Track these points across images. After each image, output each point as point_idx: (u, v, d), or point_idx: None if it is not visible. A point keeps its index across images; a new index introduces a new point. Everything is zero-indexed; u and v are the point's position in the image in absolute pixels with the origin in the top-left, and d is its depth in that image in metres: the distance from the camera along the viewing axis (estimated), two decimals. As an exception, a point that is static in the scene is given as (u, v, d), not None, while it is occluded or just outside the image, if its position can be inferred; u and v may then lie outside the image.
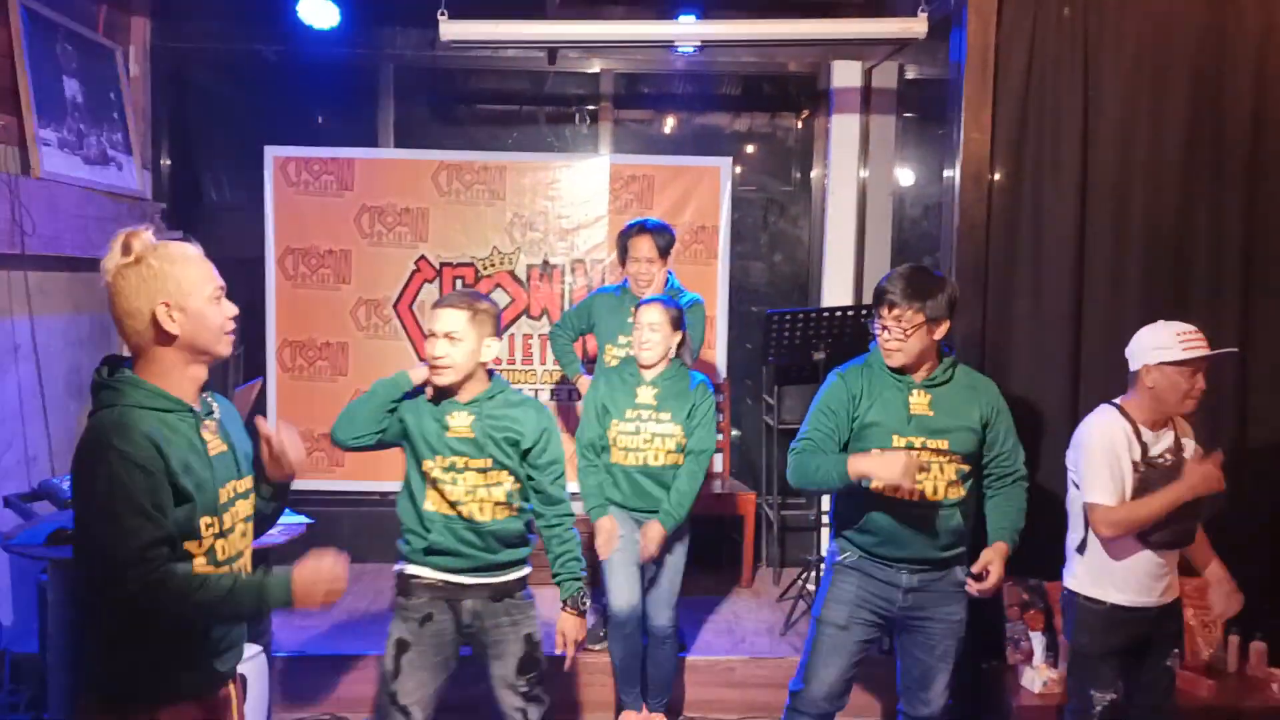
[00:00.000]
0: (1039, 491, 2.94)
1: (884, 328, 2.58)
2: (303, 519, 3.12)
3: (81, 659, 1.76)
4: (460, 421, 2.52)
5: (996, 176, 3.45)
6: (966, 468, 2.64)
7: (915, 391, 2.62)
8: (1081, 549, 2.75)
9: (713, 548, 4.66)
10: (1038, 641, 3.35)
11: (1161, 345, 2.64)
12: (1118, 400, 2.75)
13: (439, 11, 3.81)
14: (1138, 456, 2.66)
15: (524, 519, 2.62)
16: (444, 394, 2.54)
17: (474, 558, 2.54)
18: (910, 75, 4.90)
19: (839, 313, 4.33)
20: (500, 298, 4.84)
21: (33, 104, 3.69)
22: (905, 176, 5.14)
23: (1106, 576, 2.71)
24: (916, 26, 3.72)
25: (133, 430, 1.66)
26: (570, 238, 4.84)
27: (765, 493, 4.82)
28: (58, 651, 2.81)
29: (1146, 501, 2.61)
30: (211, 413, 1.84)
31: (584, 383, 4.01)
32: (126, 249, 1.72)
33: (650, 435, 3.27)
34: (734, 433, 5.02)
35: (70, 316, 4.16)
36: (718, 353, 4.87)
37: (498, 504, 2.54)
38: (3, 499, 3.39)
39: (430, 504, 2.53)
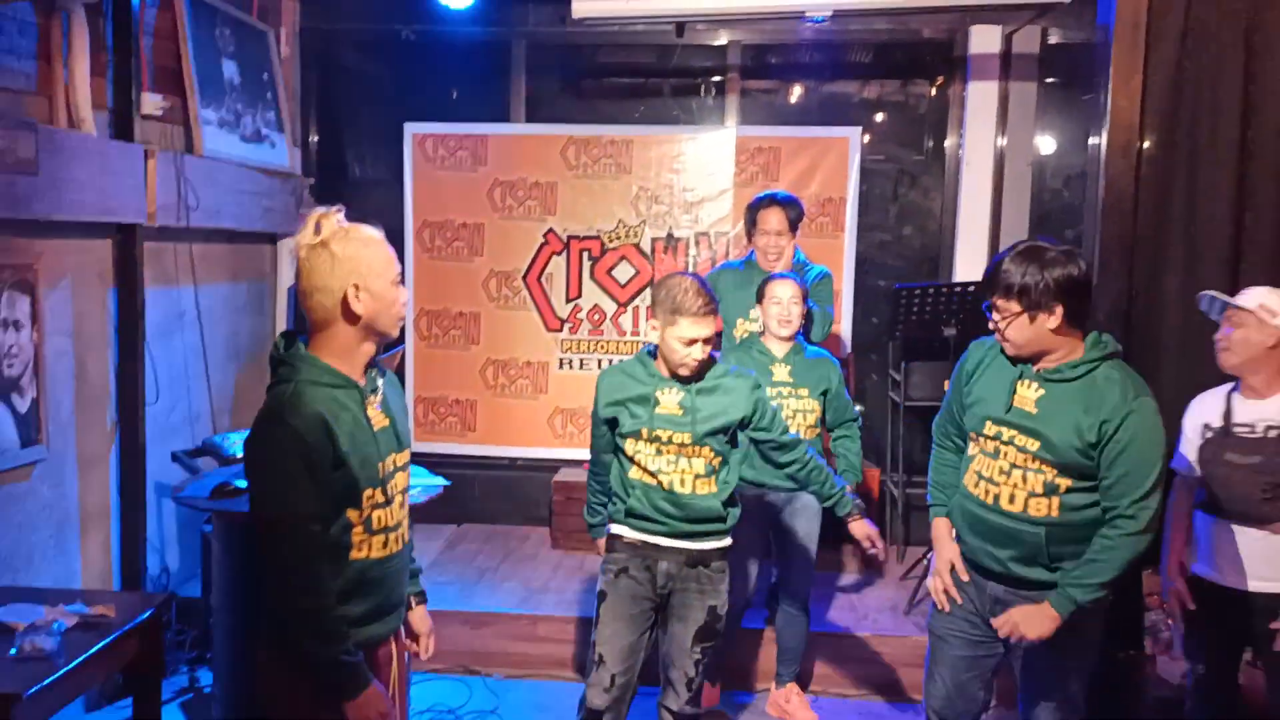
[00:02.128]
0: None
1: (991, 314, 2.31)
2: (440, 480, 3.26)
3: (258, 611, 1.91)
4: (670, 398, 2.62)
5: (1146, 146, 3.28)
6: (1063, 482, 2.24)
7: (1027, 381, 2.29)
8: None
9: (836, 524, 4.60)
10: (1177, 632, 3.22)
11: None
12: None
13: (571, -12, 3.87)
14: (1216, 423, 2.70)
15: (723, 495, 2.66)
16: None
17: (669, 525, 2.63)
18: (1054, 39, 4.67)
19: (971, 288, 4.21)
20: (625, 270, 4.90)
21: (195, 86, 3.94)
22: (1046, 145, 4.92)
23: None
24: (1063, -12, 3.55)
25: (304, 406, 1.78)
26: (695, 211, 4.86)
27: (890, 470, 4.76)
28: (221, 596, 3.04)
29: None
30: (376, 389, 1.94)
31: None
32: (317, 229, 1.84)
33: (792, 412, 3.28)
34: (858, 408, 4.96)
35: (230, 285, 4.45)
36: (843, 327, 4.80)
37: (698, 477, 2.61)
38: (170, 454, 3.68)
39: (634, 472, 2.65)
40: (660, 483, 2.61)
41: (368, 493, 1.86)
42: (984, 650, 2.44)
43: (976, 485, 2.37)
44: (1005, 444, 2.30)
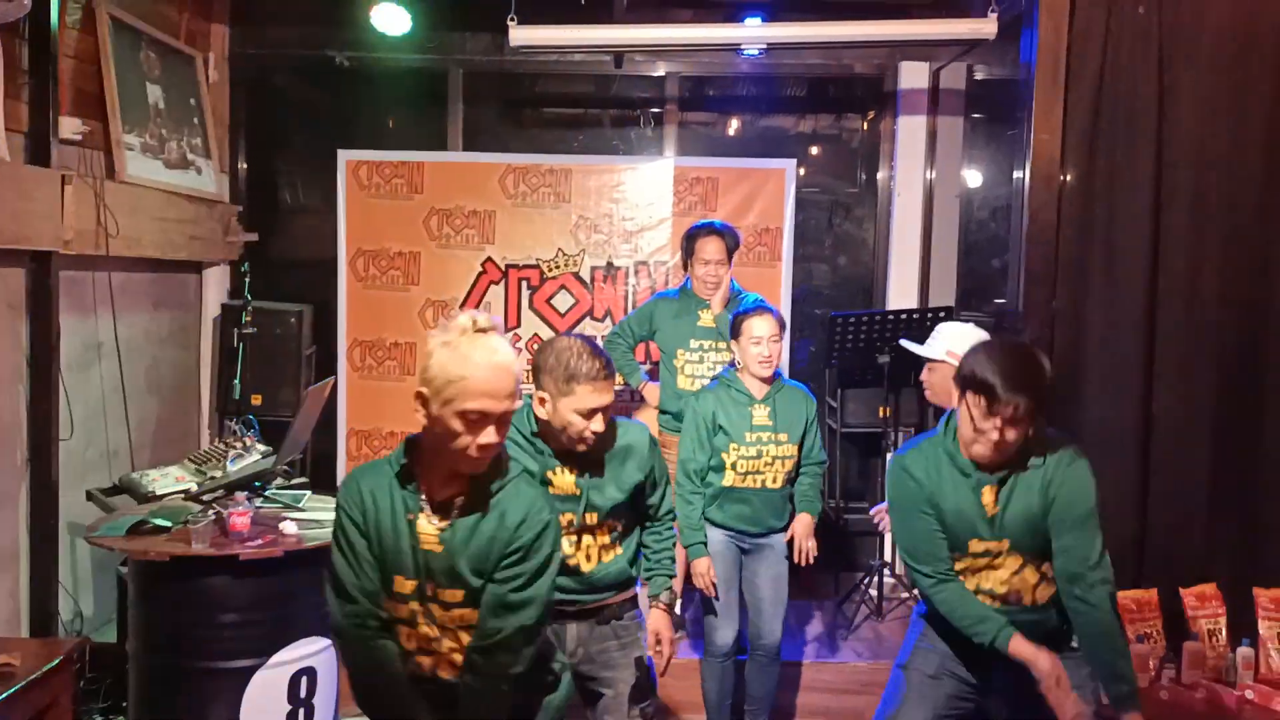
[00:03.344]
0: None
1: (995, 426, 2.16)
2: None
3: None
4: (563, 480, 2.39)
5: (1067, 179, 3.38)
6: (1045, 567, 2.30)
7: (989, 487, 2.25)
8: None
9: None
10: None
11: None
12: None
13: (509, 17, 3.86)
14: None
15: (629, 553, 2.49)
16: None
17: (573, 600, 2.41)
18: (979, 75, 4.81)
19: (904, 315, 4.27)
20: (565, 299, 4.88)
21: (118, 110, 3.84)
22: (973, 178, 5.05)
23: None
24: (986, 27, 3.66)
25: None
26: (634, 240, 4.86)
27: (826, 496, 4.77)
28: (137, 641, 2.91)
29: None
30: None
31: (650, 390, 3.99)
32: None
33: (771, 458, 3.16)
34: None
35: (151, 315, 4.31)
36: (782, 355, 4.83)
37: (603, 547, 2.43)
38: (86, 493, 3.53)
39: None
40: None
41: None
42: (965, 702, 2.41)
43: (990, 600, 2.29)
44: (995, 556, 2.27)
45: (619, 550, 2.46)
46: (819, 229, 5.18)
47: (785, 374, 4.75)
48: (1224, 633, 3.27)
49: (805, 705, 3.73)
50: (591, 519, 2.38)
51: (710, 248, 3.69)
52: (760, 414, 3.17)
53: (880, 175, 5.01)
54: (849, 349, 4.25)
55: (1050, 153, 3.35)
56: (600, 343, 2.59)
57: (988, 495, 2.23)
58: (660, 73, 5.00)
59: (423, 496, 1.86)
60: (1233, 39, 3.29)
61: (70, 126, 3.56)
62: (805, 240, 5.03)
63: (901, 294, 4.84)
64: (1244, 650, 3.20)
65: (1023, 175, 3.42)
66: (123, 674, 3.05)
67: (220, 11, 4.73)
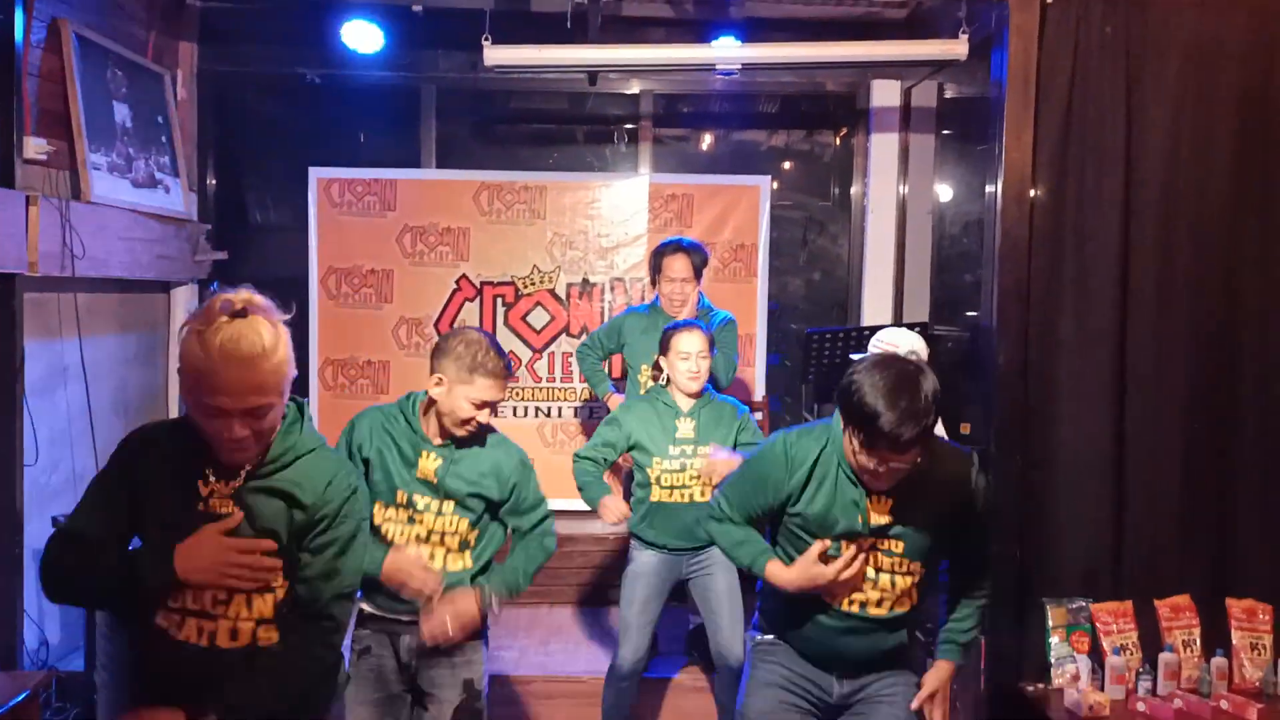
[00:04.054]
0: (1077, 518, 2.89)
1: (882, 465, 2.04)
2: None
3: None
4: (429, 464, 2.41)
5: (1038, 195, 3.41)
6: (918, 570, 2.21)
7: (877, 499, 2.14)
8: None
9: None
10: (1083, 664, 3.29)
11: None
12: None
13: (483, 37, 3.86)
14: None
15: (475, 570, 2.46)
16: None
17: (412, 604, 2.38)
18: (949, 94, 4.87)
19: (878, 331, 4.29)
20: (540, 316, 4.86)
21: (83, 129, 3.78)
22: (945, 194, 5.10)
23: None
24: (957, 48, 3.69)
25: None
26: (610, 256, 4.86)
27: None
28: (106, 670, 2.84)
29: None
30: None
31: (615, 401, 4.00)
32: None
33: (696, 472, 3.15)
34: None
35: (118, 337, 4.24)
36: (756, 370, 4.85)
37: (450, 552, 2.42)
38: (51, 519, 3.46)
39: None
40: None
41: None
42: None
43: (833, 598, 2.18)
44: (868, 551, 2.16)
45: (467, 563, 2.43)
46: (793, 244, 5.21)
47: (762, 390, 4.80)
48: (1198, 644, 3.30)
49: None
50: (447, 509, 2.39)
51: (676, 265, 3.70)
52: (685, 427, 3.17)
53: (854, 191, 5.05)
54: (824, 364, 4.27)
55: (1022, 170, 3.37)
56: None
57: (878, 509, 2.13)
58: (634, 90, 5.01)
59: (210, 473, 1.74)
60: (1199, 58, 3.34)
61: (35, 146, 3.49)
62: (780, 255, 5.06)
63: (876, 309, 4.87)
64: (1218, 660, 3.23)
65: (995, 191, 3.45)
66: (91, 703, 2.98)
67: (188, 29, 4.68)
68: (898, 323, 4.71)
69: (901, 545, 2.15)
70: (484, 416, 2.35)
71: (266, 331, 1.65)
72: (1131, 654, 3.27)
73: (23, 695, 2.47)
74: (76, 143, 3.76)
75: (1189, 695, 3.18)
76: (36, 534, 3.50)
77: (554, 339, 4.88)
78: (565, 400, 4.87)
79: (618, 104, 5.15)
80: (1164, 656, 3.23)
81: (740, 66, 4.01)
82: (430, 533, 2.40)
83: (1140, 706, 3.12)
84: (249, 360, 1.62)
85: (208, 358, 1.61)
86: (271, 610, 1.75)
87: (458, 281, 4.85)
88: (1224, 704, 3.13)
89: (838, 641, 2.21)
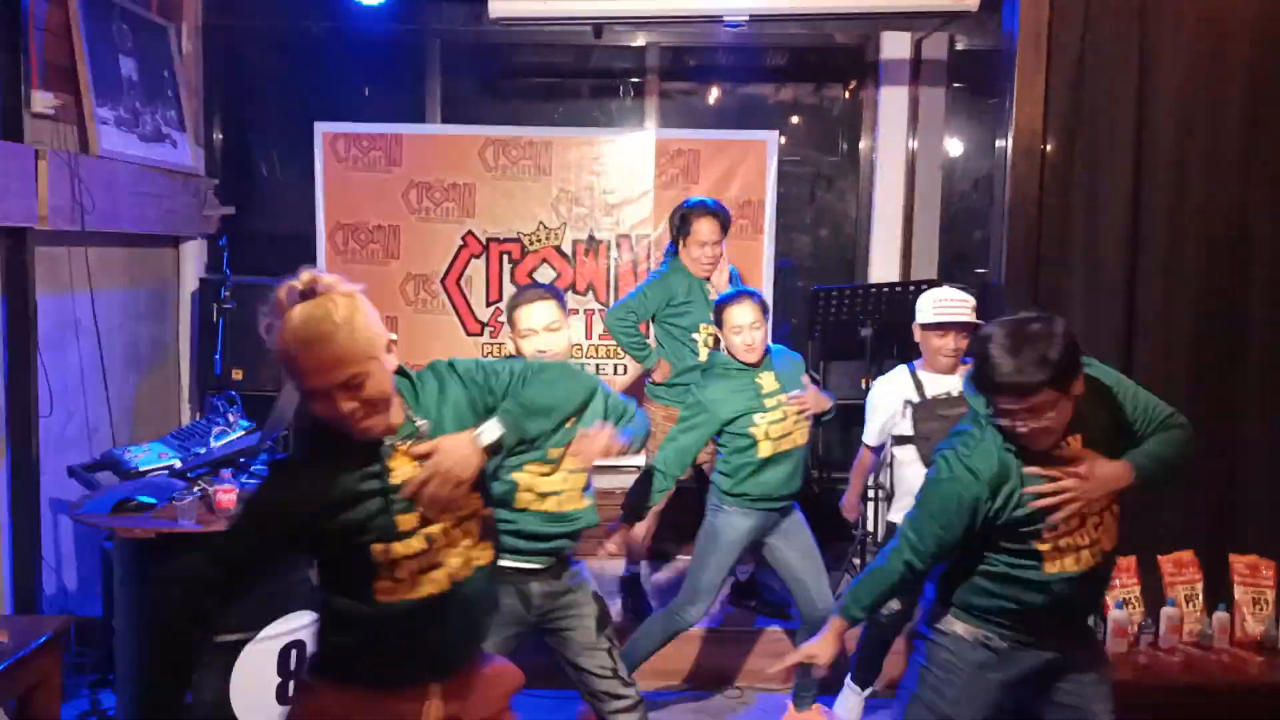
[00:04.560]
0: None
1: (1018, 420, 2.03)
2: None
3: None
4: None
5: (1048, 150, 3.39)
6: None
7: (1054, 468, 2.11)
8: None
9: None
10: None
11: (920, 309, 3.11)
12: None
13: (488, -11, 3.82)
14: (914, 397, 3.12)
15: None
16: None
17: (552, 545, 2.56)
18: (961, 46, 4.81)
19: (885, 289, 4.30)
20: (547, 273, 4.86)
21: (90, 83, 3.77)
22: (955, 148, 5.06)
23: None
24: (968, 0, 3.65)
25: None
26: (616, 213, 4.84)
27: (809, 467, 4.82)
28: (123, 615, 2.90)
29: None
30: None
31: (665, 369, 3.93)
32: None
33: (796, 415, 3.19)
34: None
35: (128, 291, 4.27)
36: (766, 338, 4.85)
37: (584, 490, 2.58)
38: (67, 469, 3.51)
39: (523, 499, 2.53)
40: (557, 505, 2.53)
41: None
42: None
43: (1055, 564, 2.12)
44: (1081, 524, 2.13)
45: (588, 501, 2.60)
46: (800, 201, 5.18)
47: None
48: (1200, 598, 3.34)
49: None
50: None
51: (706, 228, 3.70)
52: (767, 381, 3.18)
53: (862, 146, 5.01)
54: (831, 322, 4.27)
55: (1032, 125, 3.36)
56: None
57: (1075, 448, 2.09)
58: (640, 43, 4.96)
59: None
60: (1213, 12, 3.31)
61: (43, 101, 3.49)
62: (787, 212, 5.03)
63: (884, 266, 4.85)
64: (1220, 615, 3.28)
65: (1005, 145, 3.44)
66: (109, 648, 3.06)
67: (192, -19, 4.65)
68: (905, 280, 4.71)
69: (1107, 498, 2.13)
70: (542, 343, 2.51)
71: (337, 306, 1.67)
72: (1134, 608, 3.32)
73: (43, 639, 2.52)
74: (83, 97, 3.75)
75: (1191, 649, 3.23)
76: (53, 484, 3.56)
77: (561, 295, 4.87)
78: (571, 357, 4.88)
79: (624, 57, 5.10)
80: (1166, 611, 3.28)
81: (748, 18, 3.97)
82: (567, 475, 2.54)
83: (1142, 659, 3.18)
84: (324, 337, 1.64)
85: (287, 346, 1.66)
86: (478, 530, 1.83)
87: (464, 238, 4.85)
88: (1226, 658, 3.18)
89: (1050, 607, 2.14)
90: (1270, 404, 3.41)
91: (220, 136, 4.96)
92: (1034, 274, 3.42)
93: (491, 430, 1.74)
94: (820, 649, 2.25)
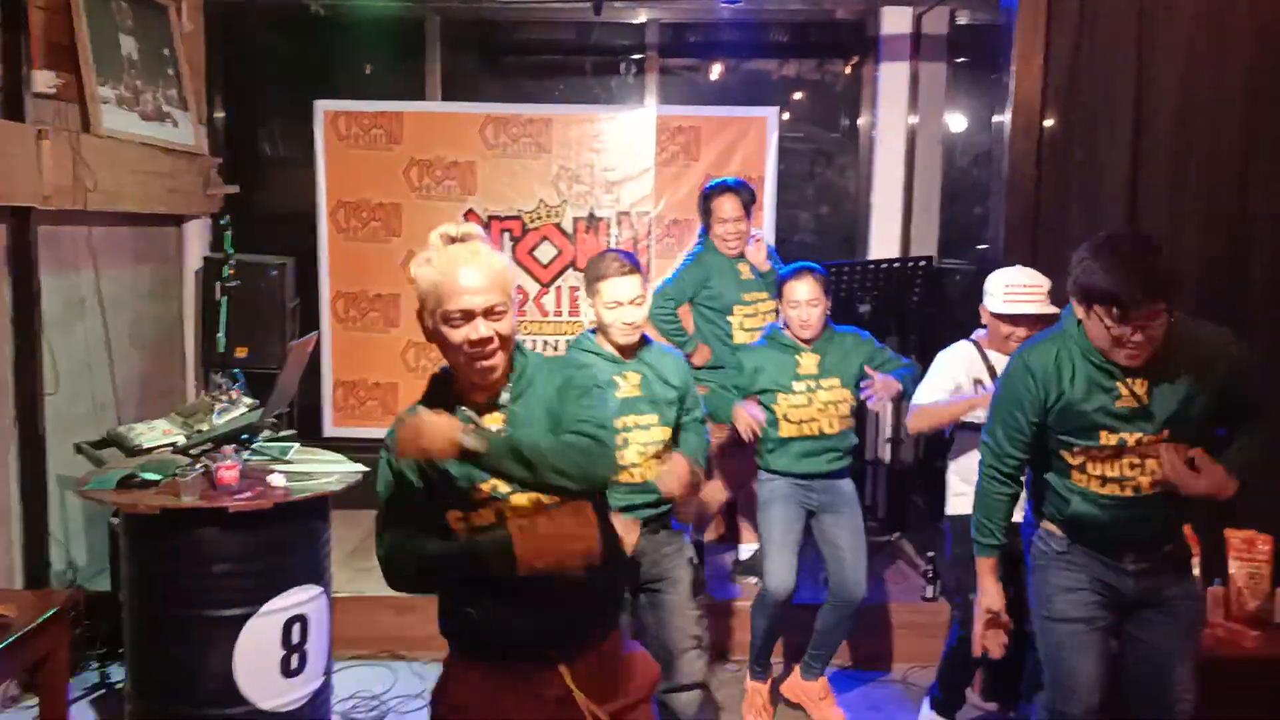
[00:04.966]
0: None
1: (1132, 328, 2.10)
2: (358, 467, 3.22)
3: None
4: (632, 380, 2.69)
5: (1048, 124, 3.39)
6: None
7: (1133, 379, 2.22)
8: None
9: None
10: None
11: (990, 291, 2.97)
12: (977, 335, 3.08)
13: (486, -36, 3.81)
14: (985, 379, 2.97)
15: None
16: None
17: (637, 514, 2.67)
18: (961, 20, 4.78)
19: (884, 265, 4.30)
20: (547, 250, 4.88)
21: (91, 62, 3.78)
22: (956, 124, 5.04)
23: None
24: (968, -29, 3.63)
25: None
26: (616, 190, 4.85)
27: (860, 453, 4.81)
28: (130, 589, 2.95)
29: (941, 404, 2.95)
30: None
31: (705, 353, 3.96)
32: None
33: (823, 404, 3.20)
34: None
35: (133, 270, 4.30)
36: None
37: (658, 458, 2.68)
38: (74, 445, 3.55)
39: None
40: (631, 476, 2.65)
41: None
42: (1112, 625, 2.39)
43: (1104, 486, 2.27)
44: (1128, 446, 2.23)
45: (669, 460, 2.68)
46: (801, 177, 5.18)
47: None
48: (1197, 573, 3.36)
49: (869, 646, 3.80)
50: (653, 421, 2.66)
51: (726, 206, 3.76)
52: (808, 363, 3.21)
53: (862, 122, 5.00)
54: (830, 298, 4.27)
55: (1031, 98, 3.35)
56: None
57: (1138, 388, 2.19)
58: (641, 19, 4.94)
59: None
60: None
61: (44, 80, 3.51)
62: (787, 188, 5.02)
63: (884, 242, 4.85)
64: (1216, 590, 3.29)
65: (1003, 120, 3.44)
66: (117, 622, 3.10)
67: (192, -41, 4.64)
68: (906, 256, 4.71)
69: (1156, 429, 2.20)
70: (628, 315, 2.58)
71: (486, 248, 1.83)
72: (1130, 582, 3.33)
73: (51, 612, 2.57)
74: (85, 76, 3.76)
75: (1188, 624, 3.24)
76: (60, 462, 3.60)
77: (561, 273, 4.90)
78: (573, 334, 4.90)
79: (624, 34, 5.08)
80: (1162, 585, 3.29)
81: (747, -7, 3.96)
82: (644, 447, 2.66)
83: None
84: (483, 264, 1.79)
85: (442, 269, 1.78)
86: None
87: (465, 215, 4.86)
88: (1221, 632, 3.20)
89: (1118, 525, 2.28)
90: (1267, 380, 3.41)
91: (222, 115, 4.97)
92: (1032, 248, 3.43)
93: (476, 440, 1.71)
94: (989, 600, 2.41)
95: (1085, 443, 2.24)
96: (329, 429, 4.89)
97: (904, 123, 4.84)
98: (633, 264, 2.60)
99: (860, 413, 3.34)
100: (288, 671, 2.89)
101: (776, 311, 3.47)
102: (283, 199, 5.09)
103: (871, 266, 4.31)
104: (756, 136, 4.79)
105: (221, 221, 4.38)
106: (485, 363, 1.79)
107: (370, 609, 3.82)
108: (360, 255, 4.88)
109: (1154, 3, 3.30)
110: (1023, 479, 2.41)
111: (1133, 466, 2.24)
